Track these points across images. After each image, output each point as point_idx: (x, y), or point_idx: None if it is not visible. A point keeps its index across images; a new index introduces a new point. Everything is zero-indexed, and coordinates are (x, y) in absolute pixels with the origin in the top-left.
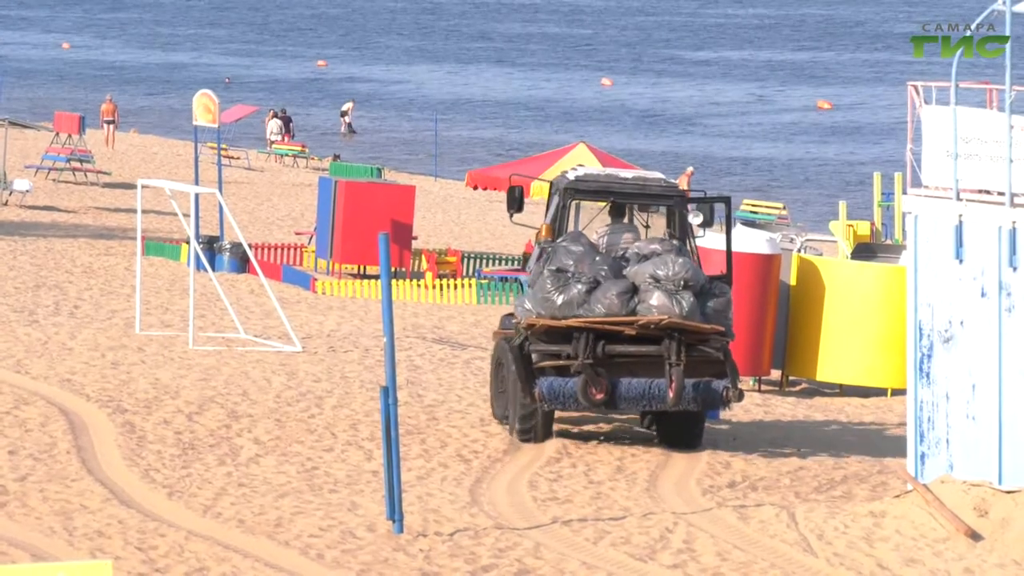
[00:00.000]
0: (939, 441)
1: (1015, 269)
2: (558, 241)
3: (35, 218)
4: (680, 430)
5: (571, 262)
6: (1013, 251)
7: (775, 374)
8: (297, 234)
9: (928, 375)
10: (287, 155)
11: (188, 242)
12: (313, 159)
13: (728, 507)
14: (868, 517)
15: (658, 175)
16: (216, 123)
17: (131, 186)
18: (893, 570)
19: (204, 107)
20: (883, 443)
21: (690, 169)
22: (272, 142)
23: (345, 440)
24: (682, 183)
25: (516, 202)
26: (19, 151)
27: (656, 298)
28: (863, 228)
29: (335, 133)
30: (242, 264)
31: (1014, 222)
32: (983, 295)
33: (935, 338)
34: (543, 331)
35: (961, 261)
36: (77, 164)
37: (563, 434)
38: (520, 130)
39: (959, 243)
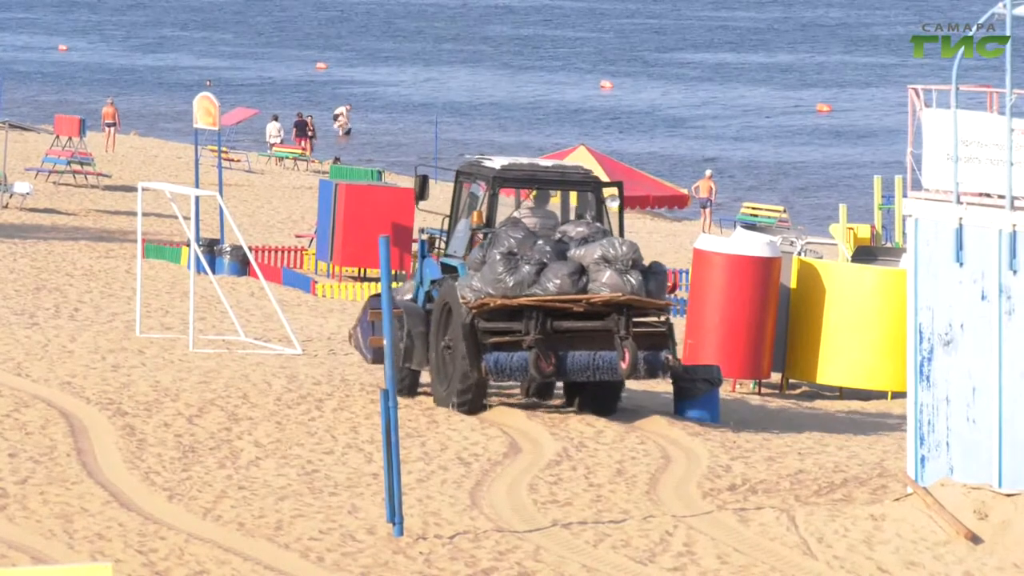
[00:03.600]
0: (939, 444)
1: (1015, 272)
2: (499, 227)
3: (35, 221)
4: (600, 398)
5: (515, 246)
6: (1013, 254)
7: (775, 377)
8: (297, 237)
9: (928, 378)
10: (287, 158)
11: (188, 245)
12: (314, 162)
13: (728, 510)
14: (868, 520)
15: (577, 164)
16: (217, 126)
17: (131, 189)
18: (893, 573)
19: (205, 110)
20: (883, 446)
21: (708, 172)
22: (272, 144)
23: (345, 443)
24: (704, 186)
25: (422, 191)
26: (19, 154)
27: (608, 277)
28: (863, 231)
29: (333, 136)
30: (242, 267)
31: (1014, 225)
32: (983, 298)
33: (935, 341)
34: (491, 310)
35: (961, 264)
36: (77, 167)
37: (562, 438)
38: (520, 132)
39: (959, 246)
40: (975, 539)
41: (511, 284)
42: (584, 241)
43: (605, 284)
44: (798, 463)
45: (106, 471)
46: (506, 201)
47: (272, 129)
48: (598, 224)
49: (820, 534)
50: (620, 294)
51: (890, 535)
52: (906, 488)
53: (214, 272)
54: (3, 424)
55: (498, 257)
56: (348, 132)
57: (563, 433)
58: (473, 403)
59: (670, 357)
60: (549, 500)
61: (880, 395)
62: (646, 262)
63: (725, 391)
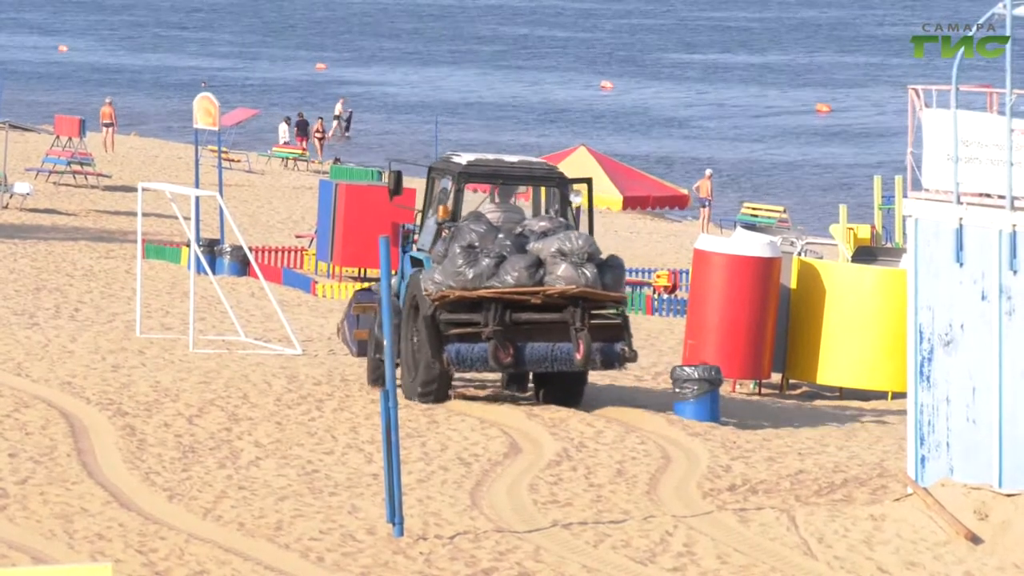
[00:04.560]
0: (939, 444)
1: (1015, 272)
2: (461, 221)
3: (35, 221)
4: (565, 390)
5: (476, 239)
6: (1013, 254)
7: (775, 377)
8: (298, 237)
9: (928, 378)
10: (288, 158)
11: (188, 245)
12: (314, 162)
13: (728, 510)
14: (868, 520)
15: (541, 160)
16: (216, 126)
17: (132, 189)
18: (893, 573)
19: (205, 110)
20: (883, 446)
21: (709, 171)
22: (276, 145)
23: (345, 443)
24: (704, 186)
25: (396, 187)
26: (20, 154)
27: (563, 270)
28: (863, 231)
29: (334, 136)
30: (242, 267)
31: (1014, 225)
32: (983, 298)
33: (935, 341)
34: (451, 302)
35: (961, 264)
36: (78, 167)
37: (562, 438)
38: (520, 133)
39: (959, 246)
40: (975, 539)
41: (470, 276)
42: (544, 235)
43: (561, 276)
44: (798, 463)
45: (106, 471)
46: (480, 198)
47: (282, 130)
48: (561, 219)
49: (820, 534)
50: (575, 286)
51: (890, 535)
52: (906, 488)
53: (214, 272)
54: (3, 424)
55: (458, 250)
56: (347, 130)
57: (563, 433)
58: (437, 394)
59: (625, 349)
60: (549, 500)
61: (880, 395)
62: (604, 255)
63: (725, 391)
